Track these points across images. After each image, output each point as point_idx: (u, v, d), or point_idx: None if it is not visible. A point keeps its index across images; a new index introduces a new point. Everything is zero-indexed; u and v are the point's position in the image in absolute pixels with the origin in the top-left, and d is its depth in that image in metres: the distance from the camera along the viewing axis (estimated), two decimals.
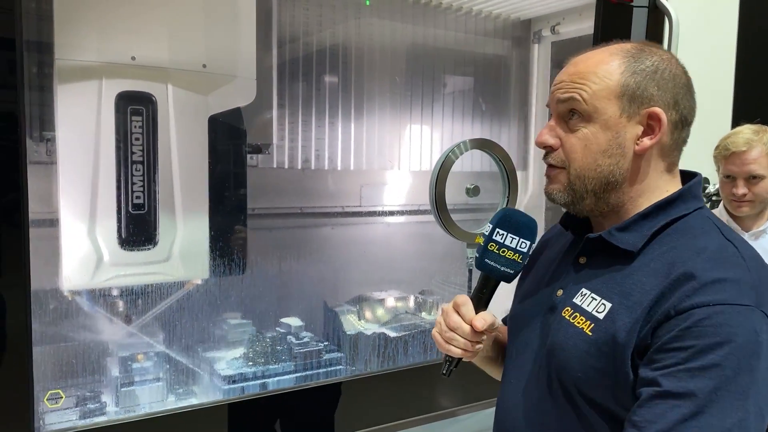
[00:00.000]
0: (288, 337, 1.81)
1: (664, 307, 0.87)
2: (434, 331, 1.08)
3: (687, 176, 1.04)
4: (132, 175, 1.42)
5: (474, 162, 2.11)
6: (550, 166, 1.00)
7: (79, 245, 1.40)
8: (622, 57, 0.96)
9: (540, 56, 2.27)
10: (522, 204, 2.33)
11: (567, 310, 0.98)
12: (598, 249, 0.99)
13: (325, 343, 1.83)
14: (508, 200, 1.92)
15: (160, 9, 1.41)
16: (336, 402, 1.65)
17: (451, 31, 2.09)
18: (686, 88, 0.98)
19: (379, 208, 2.11)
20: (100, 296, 1.52)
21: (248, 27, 1.51)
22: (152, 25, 1.41)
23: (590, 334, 0.93)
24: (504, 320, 1.29)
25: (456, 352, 1.03)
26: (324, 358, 1.78)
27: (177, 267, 1.47)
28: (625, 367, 0.89)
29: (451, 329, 1.02)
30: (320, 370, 1.76)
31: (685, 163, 1.98)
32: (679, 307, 0.86)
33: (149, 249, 1.45)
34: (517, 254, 1.01)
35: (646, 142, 0.95)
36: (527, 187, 2.33)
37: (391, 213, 2.14)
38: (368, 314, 2.03)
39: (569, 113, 0.96)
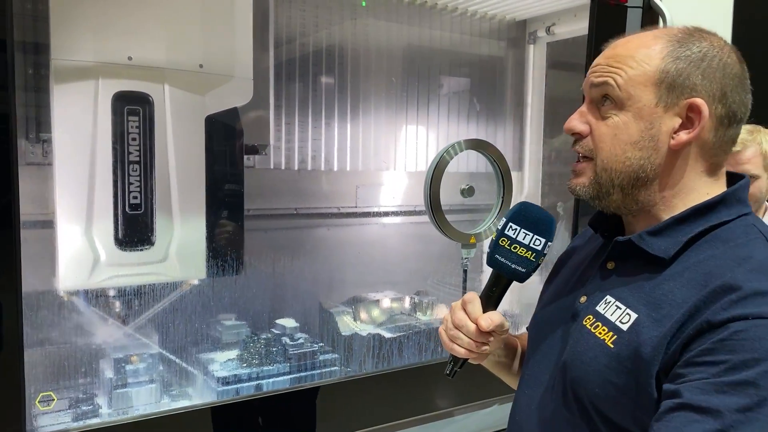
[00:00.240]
0: (283, 338, 1.83)
1: (697, 321, 0.79)
2: (440, 328, 1.03)
3: (733, 179, 0.95)
4: (129, 175, 1.43)
5: (470, 162, 2.13)
6: (578, 160, 0.93)
7: (76, 245, 1.41)
8: (666, 41, 0.88)
9: (535, 57, 2.29)
10: None
11: (589, 318, 0.91)
12: (627, 254, 0.92)
13: (320, 344, 1.85)
14: (502, 201, 1.94)
15: (156, 9, 1.43)
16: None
17: (446, 31, 2.11)
18: (738, 80, 0.89)
19: (375, 209, 2.13)
20: (96, 297, 1.53)
21: (245, 27, 1.53)
22: (149, 25, 1.43)
23: (611, 346, 0.86)
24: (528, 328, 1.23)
25: (460, 351, 0.99)
26: (319, 359, 1.80)
27: (174, 267, 1.49)
28: (649, 386, 0.81)
29: (456, 327, 0.98)
30: (315, 372, 1.77)
31: None
32: (714, 319, 0.78)
33: (146, 249, 1.46)
34: (531, 252, 0.94)
35: (683, 136, 0.87)
36: (523, 188, 2.35)
37: (387, 214, 2.15)
38: (363, 315, 2.04)
39: (602, 99, 0.90)
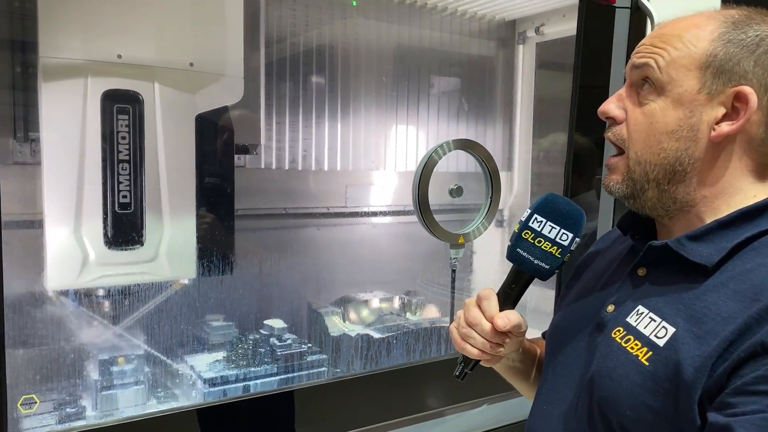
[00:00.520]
0: (271, 339, 1.84)
1: (749, 341, 0.70)
2: (452, 326, 0.97)
3: None
4: (118, 174, 1.44)
5: (459, 162, 2.16)
6: (612, 156, 0.88)
7: (65, 245, 1.42)
8: (720, 22, 0.81)
9: (525, 57, 2.32)
10: (507, 204, 2.40)
11: (618, 330, 0.84)
12: (662, 260, 0.84)
13: (309, 345, 1.86)
14: (491, 201, 1.96)
15: (146, 7, 1.44)
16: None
17: (436, 31, 2.13)
18: None
19: (365, 209, 2.15)
20: (84, 297, 1.55)
21: (236, 26, 1.54)
22: (139, 23, 1.43)
23: (646, 363, 0.78)
24: (543, 334, 1.14)
25: (472, 352, 0.92)
26: (307, 360, 1.81)
27: (164, 267, 1.50)
28: (691, 412, 0.72)
29: (469, 325, 0.91)
30: (303, 372, 1.78)
31: None
32: None
33: (136, 249, 1.47)
34: (556, 247, 0.88)
35: (724, 127, 0.79)
36: (513, 188, 2.38)
37: (377, 213, 2.17)
38: (353, 315, 2.05)
39: (642, 82, 0.83)
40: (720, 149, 0.81)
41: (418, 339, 1.94)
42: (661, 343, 0.77)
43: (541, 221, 0.89)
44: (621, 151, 0.86)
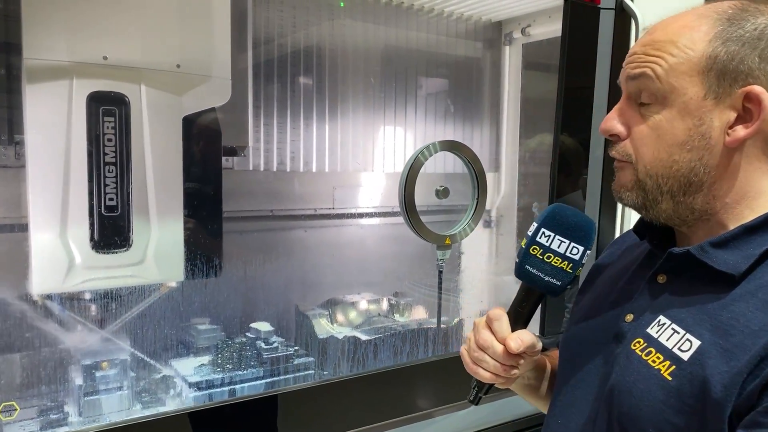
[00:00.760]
0: (257, 342, 1.84)
1: None
2: (462, 349, 0.93)
3: None
4: (104, 176, 1.44)
5: (447, 163, 2.17)
6: (618, 160, 0.83)
7: (50, 248, 1.41)
8: (713, 20, 0.77)
9: (511, 58, 2.34)
10: (494, 205, 2.42)
11: (638, 342, 0.80)
12: (684, 267, 0.81)
13: (296, 348, 1.87)
14: (477, 202, 1.99)
15: (132, 8, 1.43)
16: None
17: (423, 32, 2.15)
18: None
19: (353, 210, 2.16)
20: (69, 301, 1.55)
21: (223, 27, 1.54)
22: (125, 25, 1.43)
23: (669, 378, 0.74)
24: (556, 344, 1.09)
25: (485, 376, 0.89)
26: (294, 363, 1.81)
27: (151, 270, 1.49)
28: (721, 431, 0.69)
29: (481, 348, 0.88)
30: (289, 375, 1.78)
31: None
32: None
33: (123, 252, 1.47)
34: (567, 262, 0.84)
35: (740, 131, 0.76)
36: (500, 189, 2.41)
37: (365, 215, 2.18)
38: (340, 317, 2.07)
39: (641, 94, 0.80)
40: (737, 153, 0.77)
41: (406, 340, 1.95)
42: (685, 356, 0.74)
43: (549, 235, 0.86)
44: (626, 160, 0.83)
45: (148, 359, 1.68)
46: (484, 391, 0.94)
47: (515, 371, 0.89)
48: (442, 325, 2.04)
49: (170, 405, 1.64)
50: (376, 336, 1.93)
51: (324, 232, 2.13)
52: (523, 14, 2.25)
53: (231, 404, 1.56)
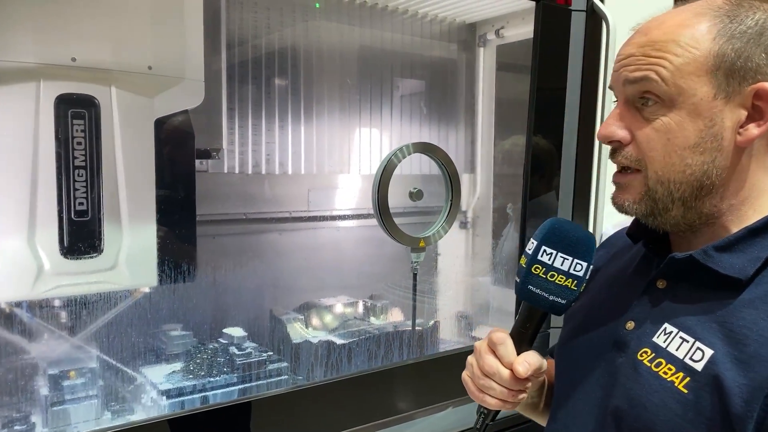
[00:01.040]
0: (230, 348, 1.83)
1: None
2: (464, 375, 0.89)
3: None
4: (74, 180, 1.41)
5: (423, 165, 2.18)
6: (621, 170, 0.80)
7: (18, 255, 1.39)
8: (712, 16, 0.75)
9: (485, 60, 2.36)
10: (470, 206, 2.45)
11: (645, 352, 0.78)
12: (685, 272, 0.79)
13: (269, 353, 1.86)
14: (451, 204, 2.00)
15: (102, 8, 1.42)
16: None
17: (398, 34, 2.16)
18: None
19: (328, 213, 2.16)
20: (37, 308, 1.53)
21: (195, 28, 1.53)
22: (94, 26, 1.42)
23: (685, 391, 0.72)
24: (551, 351, 1.08)
25: (492, 403, 0.86)
26: (267, 368, 1.80)
27: (123, 275, 1.48)
28: None
29: (487, 375, 0.84)
30: (262, 382, 1.77)
31: None
32: None
33: (94, 257, 1.45)
34: (571, 279, 0.81)
35: (753, 130, 0.74)
36: (476, 190, 2.43)
37: (341, 217, 2.18)
38: (315, 321, 2.06)
39: (642, 97, 0.77)
40: (744, 153, 0.76)
41: (380, 344, 1.95)
42: (698, 367, 0.72)
43: (551, 253, 0.82)
44: (633, 168, 0.80)
45: (117, 367, 1.66)
46: (490, 418, 0.91)
47: (523, 395, 0.86)
48: (417, 328, 2.06)
49: (140, 414, 1.63)
50: (352, 340, 1.93)
51: (299, 235, 2.13)
52: (497, 16, 2.28)
53: (203, 412, 1.55)
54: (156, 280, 1.57)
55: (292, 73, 1.98)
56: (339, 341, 1.92)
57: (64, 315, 1.57)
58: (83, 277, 1.46)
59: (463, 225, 2.44)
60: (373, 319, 2.15)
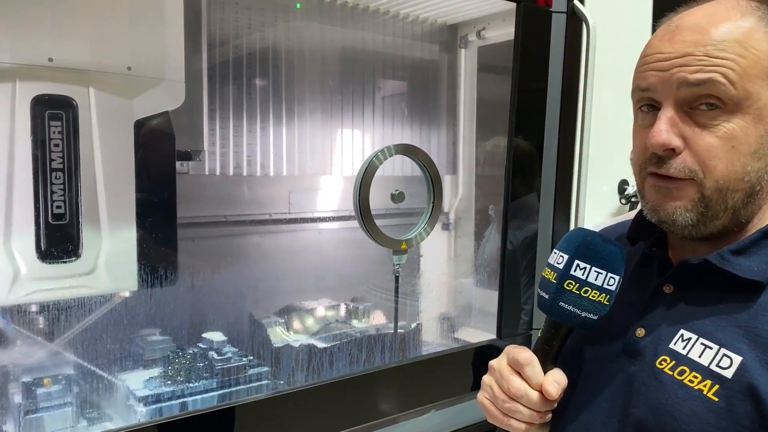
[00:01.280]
0: (209, 352, 1.82)
1: None
2: (481, 397, 0.85)
3: None
4: (51, 183, 1.40)
5: (405, 166, 2.19)
6: (666, 177, 0.75)
7: None
8: (756, 17, 0.73)
9: (467, 61, 2.38)
10: (453, 208, 2.47)
11: (664, 360, 0.76)
12: (695, 277, 0.78)
13: (250, 358, 1.85)
14: (433, 206, 2.01)
15: (80, 7, 1.41)
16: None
17: (380, 34, 2.17)
18: None
19: (309, 215, 2.16)
20: (13, 314, 1.51)
21: (176, 28, 1.53)
22: (72, 25, 1.41)
23: (715, 399, 0.71)
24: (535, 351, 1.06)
25: (519, 428, 0.82)
26: (248, 373, 1.80)
27: (102, 279, 1.47)
28: None
29: (514, 398, 0.80)
30: (242, 387, 1.77)
31: (604, 166, 2.20)
32: None
33: (72, 261, 1.44)
34: (604, 294, 0.78)
35: None
36: (458, 192, 2.45)
37: (323, 219, 2.18)
38: (297, 325, 2.06)
39: (699, 101, 0.73)
40: None
41: (363, 347, 1.96)
42: (728, 374, 0.70)
43: (585, 267, 0.79)
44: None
45: (94, 373, 1.64)
46: None
47: (549, 416, 0.82)
48: (400, 330, 2.07)
49: (118, 421, 1.62)
50: (333, 343, 1.93)
51: (280, 237, 2.12)
52: (478, 17, 2.29)
53: (181, 419, 1.53)
54: (136, 284, 1.56)
55: (274, 73, 1.98)
56: (320, 345, 1.92)
57: (40, 320, 1.55)
58: (61, 282, 1.45)
59: (446, 226, 2.46)
60: (355, 322, 2.15)
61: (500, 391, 0.82)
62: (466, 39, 2.38)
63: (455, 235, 2.47)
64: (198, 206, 1.91)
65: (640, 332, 0.81)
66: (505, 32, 2.21)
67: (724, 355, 0.72)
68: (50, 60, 1.40)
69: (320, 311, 2.13)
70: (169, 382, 1.72)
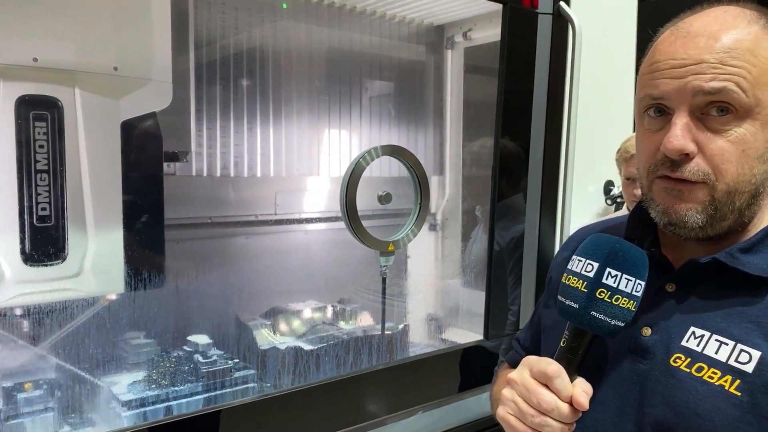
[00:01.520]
0: (195, 355, 1.82)
1: None
2: (503, 413, 0.82)
3: None
4: (36, 185, 1.40)
5: (392, 167, 2.21)
6: (676, 179, 0.78)
7: None
8: (761, 26, 0.77)
9: (453, 62, 2.40)
10: (440, 209, 2.49)
11: (679, 357, 0.78)
12: (699, 275, 0.81)
13: (236, 361, 1.85)
14: (420, 207, 2.02)
15: (65, 7, 1.40)
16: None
17: (366, 35, 2.18)
18: None
19: (296, 216, 2.16)
20: None
21: (163, 28, 1.53)
22: (57, 24, 1.40)
23: (738, 394, 0.73)
24: (524, 346, 1.08)
25: None
26: (234, 376, 1.80)
27: (89, 282, 1.46)
28: None
29: (544, 412, 0.78)
30: (227, 390, 1.77)
31: (590, 167, 2.23)
32: None
33: (57, 264, 1.43)
34: (632, 301, 0.78)
35: None
36: (445, 192, 2.47)
37: (310, 220, 2.19)
38: (283, 327, 2.07)
39: (711, 107, 0.76)
40: None
41: (350, 349, 1.96)
42: (748, 369, 0.73)
43: (616, 275, 0.79)
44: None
45: (77, 377, 1.63)
46: None
47: (573, 427, 0.81)
48: (387, 332, 2.08)
49: (101, 426, 1.61)
50: (320, 345, 1.93)
51: (266, 238, 2.13)
52: (465, 18, 2.31)
53: (166, 423, 1.52)
54: (123, 286, 1.56)
55: (261, 74, 1.99)
56: (307, 347, 1.92)
57: (24, 324, 1.55)
58: (46, 285, 1.44)
59: (433, 227, 2.48)
60: (342, 324, 2.15)
61: (527, 406, 0.80)
62: (453, 40, 2.40)
63: (442, 235, 2.49)
64: (186, 207, 1.91)
65: (647, 331, 0.82)
66: (491, 33, 2.22)
67: (742, 350, 0.74)
68: (35, 60, 1.40)
69: (307, 313, 2.13)
70: (153, 385, 1.72)
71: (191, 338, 1.89)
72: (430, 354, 2.00)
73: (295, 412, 1.69)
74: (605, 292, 0.79)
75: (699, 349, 0.77)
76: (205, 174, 1.89)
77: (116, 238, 1.52)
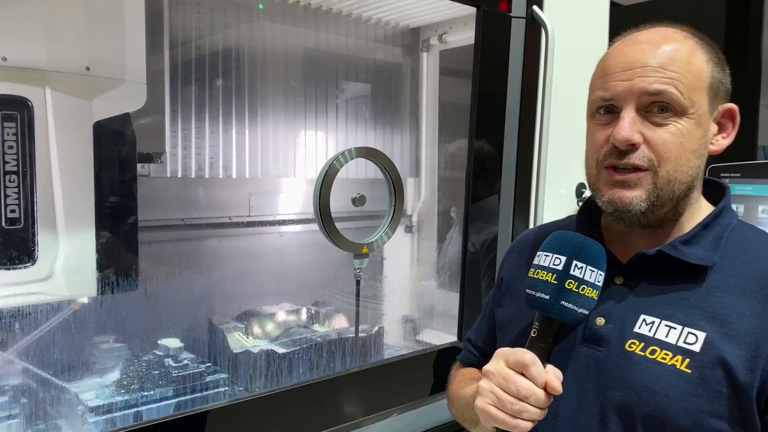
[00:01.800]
0: (166, 359, 1.81)
1: None
2: (482, 403, 0.89)
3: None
4: (5, 187, 1.38)
5: (369, 169, 2.21)
6: (624, 170, 0.89)
7: None
8: (696, 42, 0.92)
9: (429, 64, 2.42)
10: (415, 211, 2.50)
11: (633, 343, 0.87)
12: (645, 267, 0.91)
13: (208, 365, 1.84)
14: (394, 209, 2.02)
15: (35, 5, 1.39)
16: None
17: (342, 36, 2.18)
18: None
19: (270, 217, 2.15)
20: None
21: (137, 28, 1.52)
22: (27, 23, 1.38)
23: (688, 371, 0.82)
24: (476, 345, 1.18)
25: (526, 427, 0.87)
26: (205, 380, 1.79)
27: (60, 285, 1.44)
28: (752, 414, 0.79)
29: (522, 399, 0.85)
30: (198, 395, 1.76)
31: (562, 170, 2.26)
32: None
33: (27, 267, 1.41)
34: (595, 290, 0.88)
35: (722, 141, 0.94)
36: (420, 194, 2.48)
37: (284, 222, 2.18)
38: (257, 330, 2.06)
39: (653, 106, 0.89)
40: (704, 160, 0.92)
41: (323, 352, 1.96)
42: (696, 348, 0.83)
43: (582, 267, 0.87)
44: (641, 168, 0.90)
45: (45, 382, 1.61)
46: None
47: (546, 411, 0.88)
48: (362, 334, 2.08)
49: None
50: (294, 348, 1.92)
51: (240, 240, 2.11)
52: (440, 21, 2.33)
53: (134, 430, 1.51)
54: (95, 290, 1.54)
55: (236, 75, 1.97)
56: (281, 350, 1.91)
57: None
58: (15, 288, 1.42)
59: (408, 229, 2.49)
60: (316, 326, 2.15)
61: (505, 394, 0.86)
62: (428, 43, 2.41)
63: (418, 237, 2.51)
64: (158, 209, 1.89)
65: (600, 321, 0.91)
66: (466, 36, 2.24)
67: (689, 332, 0.84)
68: (4, 59, 1.38)
69: (281, 316, 2.12)
70: (122, 390, 1.70)
71: (162, 342, 1.87)
72: (404, 356, 2.01)
73: (268, 416, 1.69)
74: (573, 282, 0.87)
75: (651, 334, 0.86)
76: (179, 175, 1.87)
77: (88, 240, 1.50)
